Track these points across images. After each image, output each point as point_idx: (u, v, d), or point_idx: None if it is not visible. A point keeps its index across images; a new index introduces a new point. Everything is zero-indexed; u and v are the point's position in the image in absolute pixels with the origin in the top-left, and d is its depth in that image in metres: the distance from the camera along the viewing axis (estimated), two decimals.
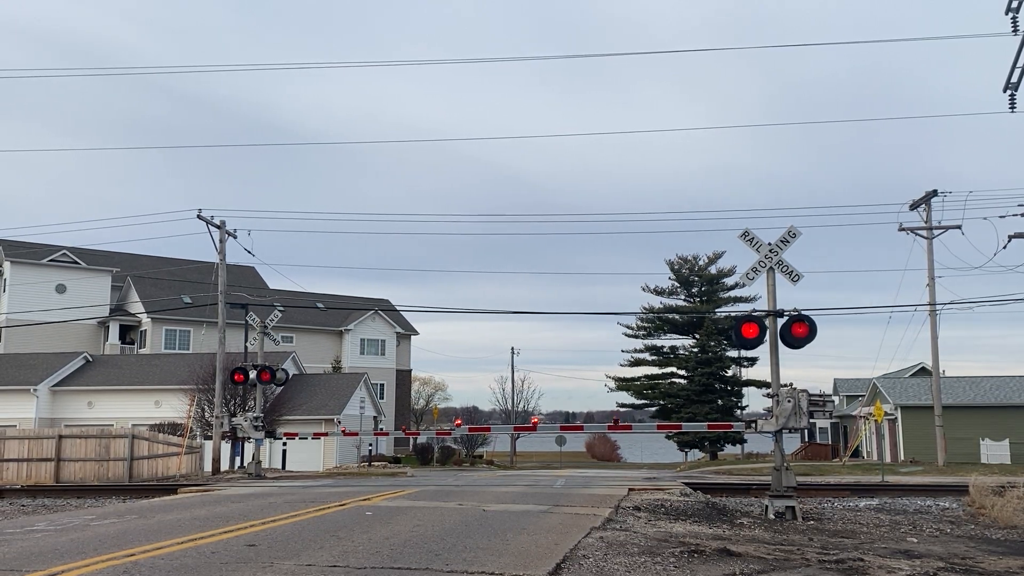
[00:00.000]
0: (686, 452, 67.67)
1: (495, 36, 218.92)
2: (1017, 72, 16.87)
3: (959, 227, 33.54)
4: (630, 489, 17.63)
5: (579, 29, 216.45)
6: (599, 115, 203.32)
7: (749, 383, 67.77)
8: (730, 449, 67.56)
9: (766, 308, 14.58)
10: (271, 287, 61.34)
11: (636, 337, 71.60)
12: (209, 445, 33.15)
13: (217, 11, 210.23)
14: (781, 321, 14.38)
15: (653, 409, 69.11)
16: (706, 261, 69.59)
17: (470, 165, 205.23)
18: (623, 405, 72.52)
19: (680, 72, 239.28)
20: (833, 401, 58.44)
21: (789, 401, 14.09)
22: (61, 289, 55.45)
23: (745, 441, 66.81)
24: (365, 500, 14.77)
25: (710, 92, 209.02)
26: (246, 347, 37.44)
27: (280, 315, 31.84)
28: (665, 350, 70.33)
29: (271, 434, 32.90)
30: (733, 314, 62.27)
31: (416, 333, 70.83)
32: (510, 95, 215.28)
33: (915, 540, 11.02)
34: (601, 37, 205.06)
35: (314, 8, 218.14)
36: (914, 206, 35.06)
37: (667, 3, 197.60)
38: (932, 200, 34.52)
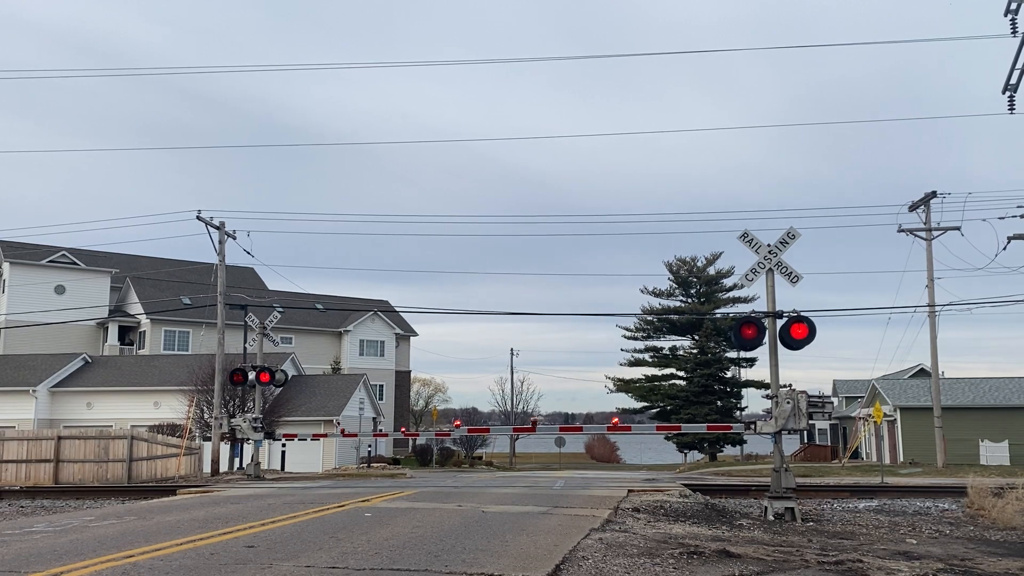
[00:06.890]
0: (685, 453, 67.73)
1: (507, 36, 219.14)
2: (1016, 73, 16.87)
3: (958, 228, 33.54)
4: (629, 490, 17.62)
5: (594, 31, 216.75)
6: (611, 115, 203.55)
7: (748, 384, 67.83)
8: (729, 450, 67.67)
9: (765, 309, 14.58)
10: (271, 288, 61.33)
11: (635, 338, 71.69)
12: (208, 446, 33.11)
13: (230, 13, 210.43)
14: (780, 322, 14.37)
15: (653, 411, 69.20)
16: (705, 262, 69.64)
17: (476, 165, 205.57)
18: (623, 409, 72.61)
19: (698, 72, 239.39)
20: (832, 402, 58.42)
21: (788, 402, 14.09)
22: (60, 290, 55.43)
23: (744, 442, 66.92)
24: (364, 501, 14.77)
25: (728, 93, 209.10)
26: (245, 348, 37.46)
27: (279, 316, 31.80)
28: (664, 351, 70.37)
29: (270, 435, 32.82)
30: (732, 315, 62.26)
31: (415, 334, 70.84)
32: (521, 95, 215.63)
33: (914, 541, 11.01)
34: (618, 38, 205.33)
35: (331, 9, 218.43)
36: (913, 207, 35.04)
37: (688, 4, 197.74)
38: (931, 201, 34.51)
